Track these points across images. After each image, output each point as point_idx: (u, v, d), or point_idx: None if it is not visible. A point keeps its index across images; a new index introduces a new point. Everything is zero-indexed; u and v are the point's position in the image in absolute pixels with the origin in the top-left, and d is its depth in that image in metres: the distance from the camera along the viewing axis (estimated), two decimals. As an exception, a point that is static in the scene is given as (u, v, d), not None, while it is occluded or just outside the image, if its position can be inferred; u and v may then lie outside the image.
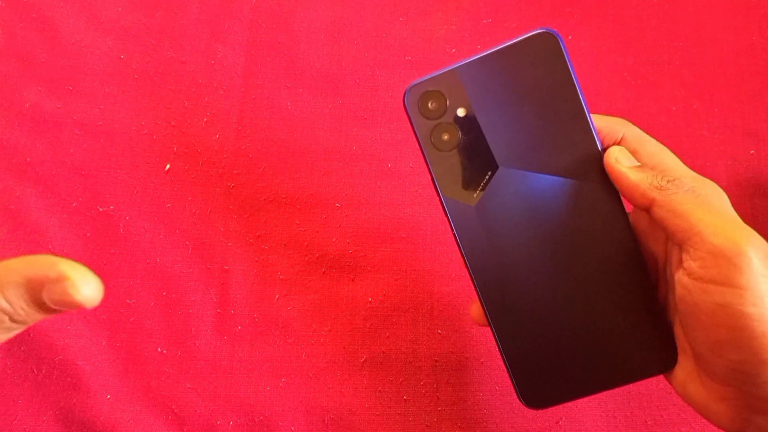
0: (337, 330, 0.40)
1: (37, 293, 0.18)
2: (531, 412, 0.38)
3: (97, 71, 0.43)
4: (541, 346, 0.28)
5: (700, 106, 0.44)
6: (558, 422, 0.38)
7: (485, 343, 0.39)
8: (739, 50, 0.45)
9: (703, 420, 0.37)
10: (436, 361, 0.39)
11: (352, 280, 0.40)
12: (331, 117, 0.43)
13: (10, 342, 0.38)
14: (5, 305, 0.18)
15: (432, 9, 0.46)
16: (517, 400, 0.38)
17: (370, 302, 0.40)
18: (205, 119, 0.43)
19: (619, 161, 0.26)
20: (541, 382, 0.28)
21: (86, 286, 0.18)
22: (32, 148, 0.42)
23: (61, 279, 0.18)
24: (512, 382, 0.29)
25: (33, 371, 0.38)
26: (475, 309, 0.30)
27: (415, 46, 0.45)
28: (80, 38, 0.44)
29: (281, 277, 0.40)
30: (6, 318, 0.18)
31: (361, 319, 0.40)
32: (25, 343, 0.38)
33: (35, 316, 0.19)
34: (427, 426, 0.38)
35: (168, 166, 0.42)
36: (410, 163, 0.42)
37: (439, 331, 0.39)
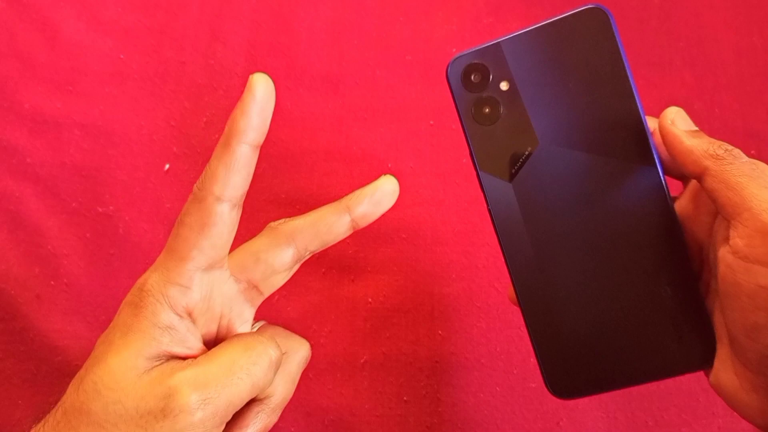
0: (337, 331, 0.39)
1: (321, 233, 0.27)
2: (532, 414, 0.38)
3: (97, 71, 0.43)
4: (573, 332, 0.27)
5: (701, 107, 0.43)
6: (558, 423, 0.38)
7: (486, 344, 0.39)
8: (740, 51, 0.45)
9: (705, 421, 0.38)
10: (437, 362, 0.39)
11: (352, 281, 0.40)
12: (331, 117, 0.43)
13: (10, 342, 0.38)
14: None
15: (432, 9, 0.46)
16: (518, 401, 0.38)
17: (371, 303, 0.40)
18: (204, 119, 0.43)
19: (675, 123, 0.24)
20: (571, 370, 0.27)
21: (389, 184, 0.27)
22: (32, 148, 0.42)
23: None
24: (540, 368, 0.28)
25: (33, 372, 0.38)
26: (512, 290, 0.28)
27: (415, 46, 0.45)
28: (80, 38, 0.44)
29: (281, 277, 0.40)
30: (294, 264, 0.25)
31: (362, 320, 0.40)
32: (25, 343, 0.38)
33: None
34: (427, 427, 0.38)
35: (168, 166, 0.42)
36: (410, 163, 0.42)
37: (440, 332, 0.39)
